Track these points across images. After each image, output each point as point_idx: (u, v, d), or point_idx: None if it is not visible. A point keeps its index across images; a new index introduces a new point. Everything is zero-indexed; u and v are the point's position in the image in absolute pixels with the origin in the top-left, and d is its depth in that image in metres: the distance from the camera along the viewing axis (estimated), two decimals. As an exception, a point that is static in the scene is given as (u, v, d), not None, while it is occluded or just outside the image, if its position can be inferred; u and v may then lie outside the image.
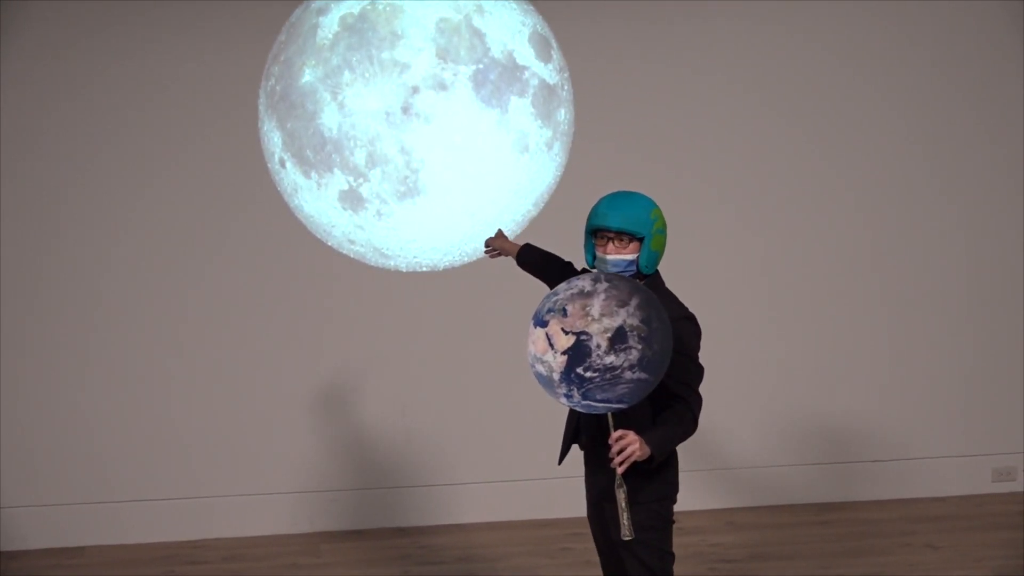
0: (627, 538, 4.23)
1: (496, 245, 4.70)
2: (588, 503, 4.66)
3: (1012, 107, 7.07)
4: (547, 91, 3.92)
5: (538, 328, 4.17)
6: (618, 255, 4.35)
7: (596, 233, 4.40)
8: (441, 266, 4.31)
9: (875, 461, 7.18)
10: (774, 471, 7.07)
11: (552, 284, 4.72)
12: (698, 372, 4.41)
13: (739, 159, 6.95)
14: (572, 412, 4.59)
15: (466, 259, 4.46)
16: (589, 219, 4.40)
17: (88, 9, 6.55)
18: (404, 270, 4.20)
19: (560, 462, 4.70)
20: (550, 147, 4.01)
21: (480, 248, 4.57)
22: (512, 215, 4.09)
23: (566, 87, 4.09)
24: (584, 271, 4.59)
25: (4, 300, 6.63)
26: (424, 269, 4.24)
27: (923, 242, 7.10)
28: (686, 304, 4.40)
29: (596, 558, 6.08)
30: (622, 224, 4.33)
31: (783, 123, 6.97)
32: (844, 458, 7.17)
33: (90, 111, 6.62)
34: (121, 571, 6.46)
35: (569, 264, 4.75)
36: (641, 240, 4.37)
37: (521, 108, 3.87)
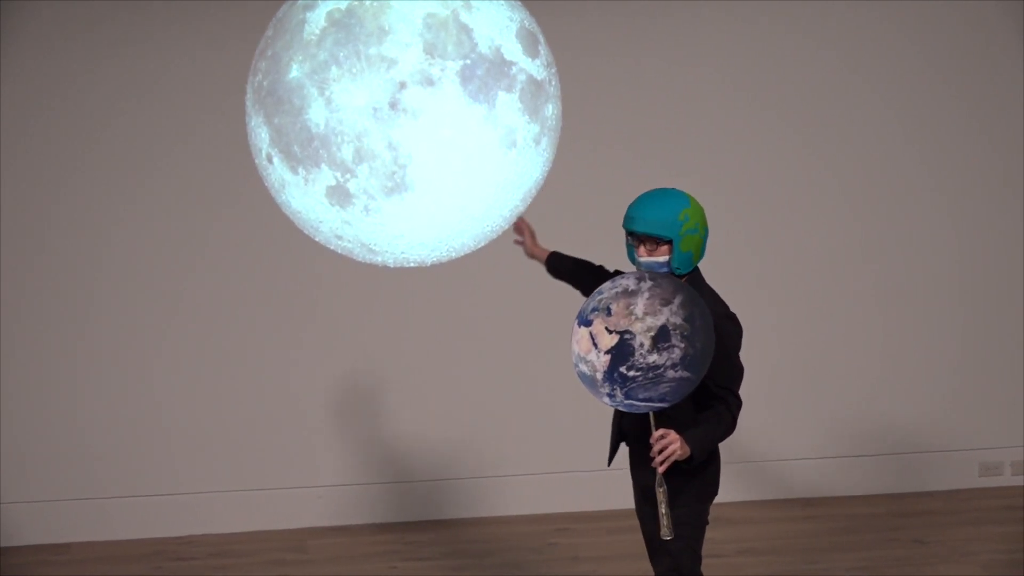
0: (667, 537, 4.25)
1: (527, 241, 4.96)
2: (635, 497, 4.71)
3: (1007, 105, 7.09)
4: (535, 86, 3.91)
5: (582, 327, 4.21)
6: (650, 258, 4.41)
7: (631, 234, 4.44)
8: (429, 262, 4.30)
9: (862, 456, 7.19)
10: (761, 466, 7.08)
11: (586, 290, 4.76)
12: (738, 373, 4.42)
13: (729, 155, 6.95)
14: (617, 411, 4.56)
15: (454, 255, 4.44)
16: (624, 220, 4.45)
17: (75, 6, 6.53)
18: (392, 266, 4.19)
19: (609, 463, 4.74)
20: (538, 142, 3.99)
21: (469, 244, 4.52)
22: (500, 211, 4.07)
23: (554, 82, 4.08)
24: (617, 272, 4.63)
25: (-9, 296, 6.61)
26: (412, 265, 4.23)
27: (913, 239, 7.12)
28: None
29: (583, 553, 6.12)
30: (646, 229, 4.38)
31: (775, 120, 6.97)
32: (831, 453, 7.18)
33: (77, 107, 6.60)
34: (108, 567, 6.45)
35: (601, 268, 4.79)
36: (672, 242, 4.39)
37: (508, 103, 3.85)
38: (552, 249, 5.04)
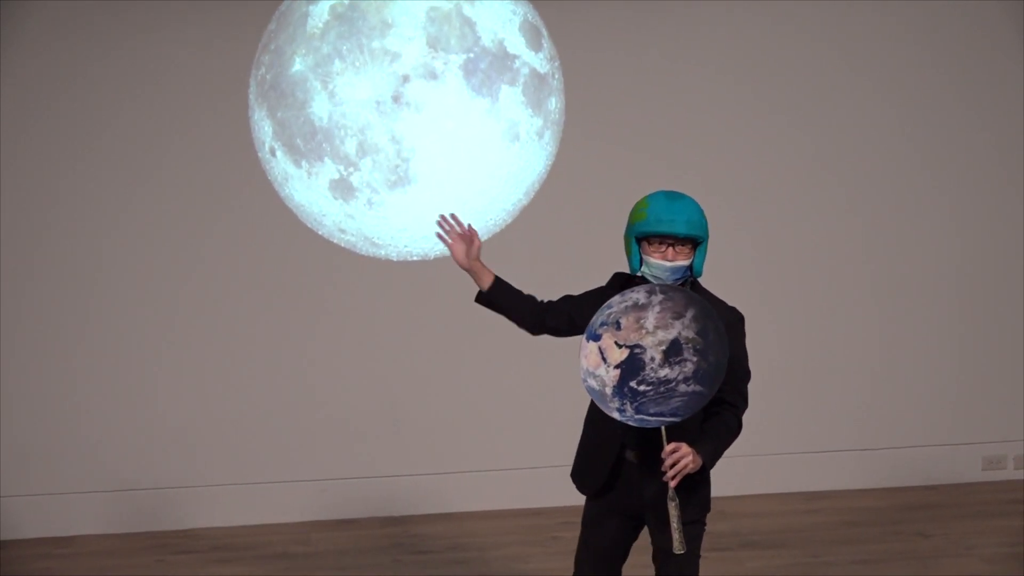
0: (680, 552, 4.19)
1: (472, 250, 4.31)
2: (603, 510, 4.57)
3: (1007, 103, 7.08)
4: (538, 80, 3.91)
5: (591, 342, 4.11)
6: (678, 261, 4.24)
7: (649, 238, 4.27)
8: (432, 255, 4.30)
9: (865, 449, 7.19)
10: (764, 459, 7.08)
11: (528, 325, 4.51)
12: (748, 376, 4.37)
13: (731, 151, 6.94)
14: (611, 434, 4.42)
15: (457, 248, 4.44)
16: (643, 225, 4.22)
17: (75, 4, 6.52)
18: (395, 259, 4.19)
19: (592, 492, 4.53)
20: (541, 136, 4.00)
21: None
22: (503, 204, 4.08)
23: (557, 76, 4.09)
24: (558, 301, 4.45)
25: (-5, 290, 6.61)
26: (415, 258, 4.24)
27: (915, 234, 7.11)
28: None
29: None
30: (690, 230, 4.21)
31: (777, 116, 6.96)
32: (834, 446, 7.18)
33: (81, 101, 6.60)
34: (111, 560, 6.46)
35: (549, 304, 4.48)
36: (697, 244, 4.28)
37: (512, 97, 3.86)
38: (496, 273, 4.45)
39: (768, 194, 7.00)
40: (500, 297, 4.45)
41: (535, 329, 4.51)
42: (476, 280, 4.42)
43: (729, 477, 6.97)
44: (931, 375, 7.18)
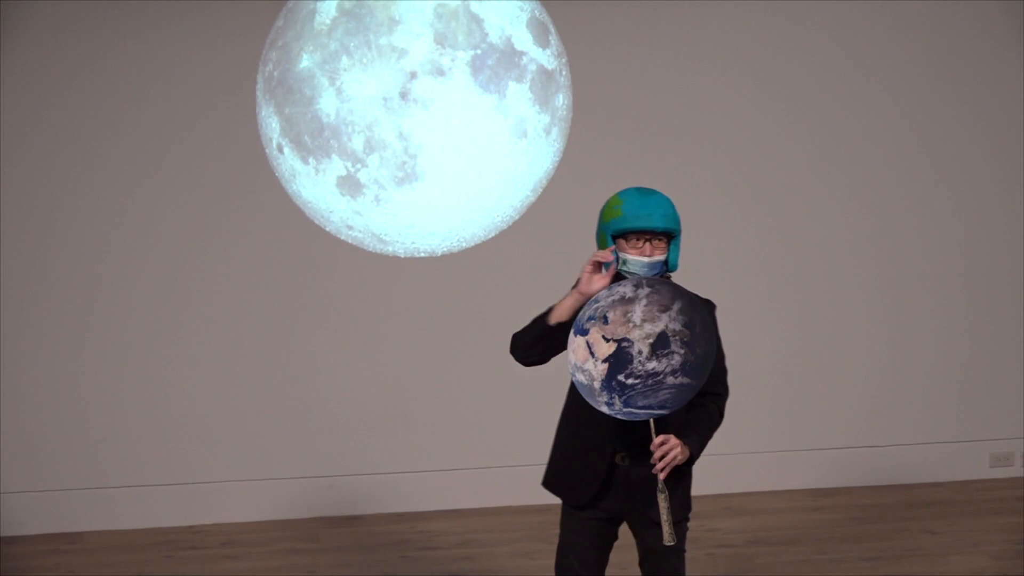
0: (670, 543, 4.25)
1: (601, 283, 4.30)
2: (585, 513, 4.59)
3: (1009, 101, 7.10)
4: (545, 76, 3.91)
5: (578, 337, 4.16)
6: (656, 256, 4.30)
7: (625, 235, 4.31)
8: (439, 252, 4.30)
9: (872, 446, 7.19)
10: (771, 456, 7.09)
11: (532, 355, 4.51)
12: (724, 363, 4.43)
13: (736, 146, 6.95)
14: (600, 440, 4.47)
15: (464, 245, 4.45)
16: (619, 221, 4.27)
17: (76, 2, 6.54)
18: (402, 256, 4.19)
19: (584, 502, 4.58)
20: (548, 132, 4.00)
21: (479, 234, 4.52)
22: (510, 201, 4.08)
23: (564, 72, 4.08)
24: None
25: (1, 288, 6.63)
26: (422, 255, 4.24)
27: (920, 229, 7.12)
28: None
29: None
30: (666, 223, 4.28)
31: (782, 113, 6.98)
32: (841, 443, 7.19)
33: (87, 97, 6.62)
34: (120, 556, 6.48)
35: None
36: (672, 238, 4.34)
37: (519, 93, 3.86)
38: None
39: (775, 190, 7.01)
40: (555, 331, 4.40)
41: (537, 361, 4.53)
42: (566, 307, 4.37)
43: (737, 474, 6.98)
44: (938, 372, 7.18)
